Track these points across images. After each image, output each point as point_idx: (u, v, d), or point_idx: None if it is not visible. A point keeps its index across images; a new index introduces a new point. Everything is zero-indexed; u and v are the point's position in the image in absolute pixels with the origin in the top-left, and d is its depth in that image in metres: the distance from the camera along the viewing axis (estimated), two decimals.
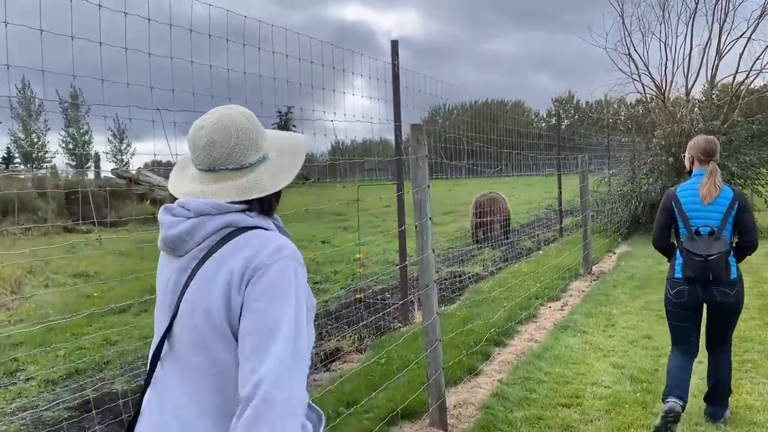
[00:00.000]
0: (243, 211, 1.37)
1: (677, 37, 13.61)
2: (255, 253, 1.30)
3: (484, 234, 11.59)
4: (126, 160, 59.02)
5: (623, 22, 13.64)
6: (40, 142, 47.21)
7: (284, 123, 64.82)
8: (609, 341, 5.61)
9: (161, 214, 1.40)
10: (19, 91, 45.69)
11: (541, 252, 10.97)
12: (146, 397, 1.43)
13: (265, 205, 1.42)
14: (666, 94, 13.33)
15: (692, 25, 13.22)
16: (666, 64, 13.33)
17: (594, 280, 8.59)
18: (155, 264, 1.53)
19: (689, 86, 13.37)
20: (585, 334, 5.86)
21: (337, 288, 8.12)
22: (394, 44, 6.23)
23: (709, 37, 13.10)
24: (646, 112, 14.60)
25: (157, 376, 1.42)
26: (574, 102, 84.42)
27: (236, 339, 1.28)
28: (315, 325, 1.54)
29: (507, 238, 12.20)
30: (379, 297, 7.01)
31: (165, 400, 1.37)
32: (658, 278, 8.39)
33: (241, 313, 1.28)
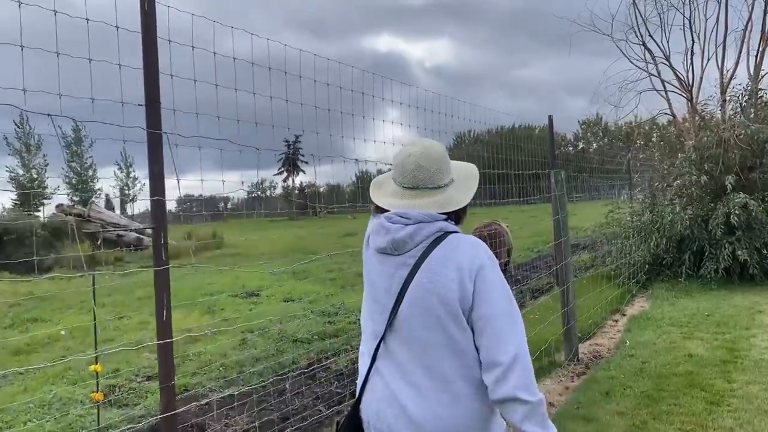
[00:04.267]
0: (446, 219, 1.73)
1: (707, 20, 10.34)
2: (473, 253, 1.66)
3: None
4: (133, 194, 57.29)
5: (634, 3, 10.42)
6: (39, 179, 45.33)
7: (293, 152, 62.80)
8: None
9: (384, 222, 1.73)
10: (18, 126, 44.40)
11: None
12: (373, 368, 1.74)
13: (456, 216, 1.80)
14: (693, 91, 10.02)
15: (726, 3, 9.96)
16: (693, 49, 10.03)
17: (580, 374, 5.36)
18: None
19: (726, 81, 10.04)
20: None
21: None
22: None
23: (749, 18, 9.83)
24: (673, 120, 11.28)
25: (381, 351, 1.73)
26: (603, 124, 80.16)
27: (463, 317, 1.64)
28: None
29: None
30: None
31: (393, 371, 1.69)
32: (683, 374, 5.06)
33: (473, 299, 1.63)
